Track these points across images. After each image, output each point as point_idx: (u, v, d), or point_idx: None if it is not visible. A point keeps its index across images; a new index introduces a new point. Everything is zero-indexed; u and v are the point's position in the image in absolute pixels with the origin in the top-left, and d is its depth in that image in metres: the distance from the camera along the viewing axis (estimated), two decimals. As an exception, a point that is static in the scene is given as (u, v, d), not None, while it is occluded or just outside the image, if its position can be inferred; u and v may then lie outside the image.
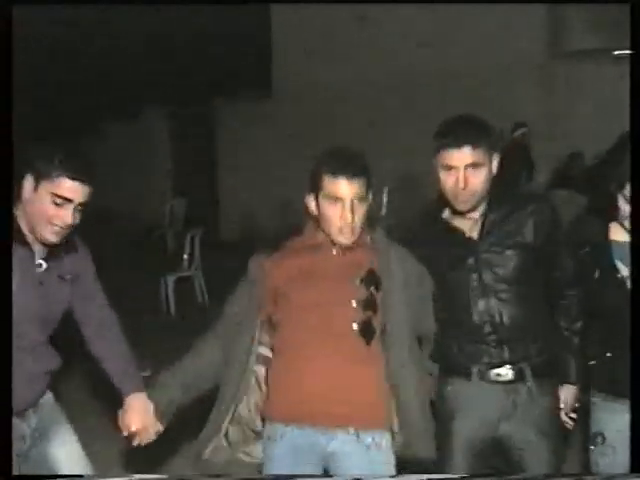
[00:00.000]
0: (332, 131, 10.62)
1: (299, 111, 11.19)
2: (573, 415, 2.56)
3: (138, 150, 13.65)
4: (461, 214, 2.44)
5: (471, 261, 2.42)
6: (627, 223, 2.32)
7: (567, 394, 2.53)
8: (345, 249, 2.35)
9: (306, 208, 2.39)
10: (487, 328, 2.42)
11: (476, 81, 9.60)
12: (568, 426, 2.56)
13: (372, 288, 2.32)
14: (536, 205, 2.45)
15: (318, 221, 2.37)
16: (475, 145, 2.33)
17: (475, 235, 2.44)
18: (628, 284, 2.31)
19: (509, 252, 2.41)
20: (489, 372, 2.42)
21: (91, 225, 2.58)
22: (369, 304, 2.31)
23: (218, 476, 2.95)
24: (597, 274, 2.38)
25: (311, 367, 2.26)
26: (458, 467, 2.43)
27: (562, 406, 2.53)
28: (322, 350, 2.26)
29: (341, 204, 2.27)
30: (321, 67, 10.94)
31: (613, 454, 2.40)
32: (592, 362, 2.48)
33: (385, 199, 10.35)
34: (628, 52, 8.93)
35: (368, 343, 2.29)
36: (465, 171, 2.33)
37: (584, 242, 2.41)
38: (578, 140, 8.36)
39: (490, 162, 2.39)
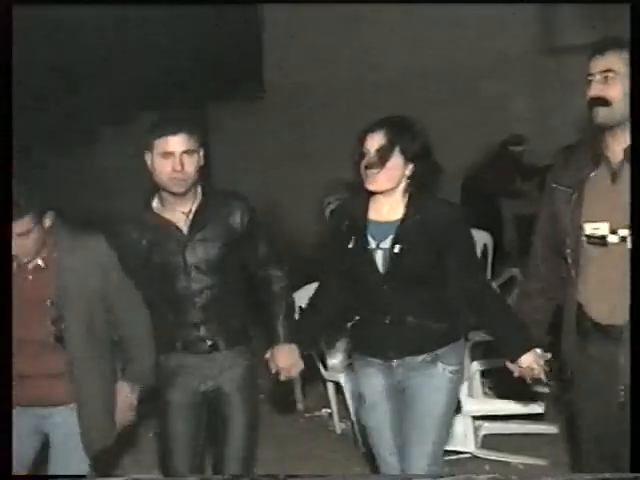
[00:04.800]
0: (326, 130, 10.64)
1: (293, 111, 11.19)
2: (292, 373, 2.98)
3: (133, 153, 13.64)
4: (171, 208, 2.84)
5: (178, 250, 2.82)
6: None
7: (279, 353, 2.93)
8: (34, 271, 2.74)
9: None
10: (189, 309, 2.87)
11: (468, 78, 9.63)
12: (282, 378, 2.97)
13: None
14: (240, 202, 2.91)
15: None
16: (189, 133, 2.78)
17: (185, 229, 2.83)
18: (375, 255, 2.71)
19: (214, 244, 2.83)
20: (190, 345, 2.89)
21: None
22: (60, 318, 2.75)
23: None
24: (352, 244, 2.75)
25: (22, 358, 2.70)
26: (176, 430, 2.94)
27: (279, 365, 2.93)
28: (26, 349, 2.71)
29: None
30: (314, 66, 10.94)
31: (373, 410, 2.85)
32: (349, 323, 2.87)
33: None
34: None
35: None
36: (181, 156, 2.74)
37: (347, 217, 2.81)
38: (571, 135, 8.38)
39: (199, 151, 2.83)
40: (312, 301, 3.04)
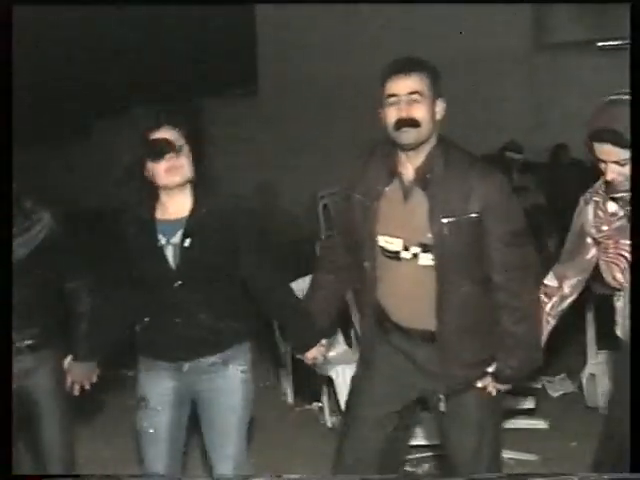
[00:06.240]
0: (319, 127, 10.66)
1: (286, 108, 11.21)
2: (87, 385, 2.97)
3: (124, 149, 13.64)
4: None
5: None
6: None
7: (73, 367, 2.95)
8: None
9: None
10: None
11: (461, 75, 9.66)
12: (76, 392, 2.97)
13: None
14: (46, 214, 2.88)
15: None
16: None
17: None
18: (165, 250, 2.68)
19: (17, 261, 2.77)
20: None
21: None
22: None
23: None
24: (140, 244, 2.71)
25: None
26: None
27: (72, 379, 2.95)
28: None
29: None
30: (307, 63, 10.96)
31: (155, 416, 2.78)
32: (137, 327, 2.79)
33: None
34: (611, 43, 9.02)
35: None
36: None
37: (133, 219, 2.77)
38: (563, 132, 8.42)
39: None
40: (98, 311, 2.96)
